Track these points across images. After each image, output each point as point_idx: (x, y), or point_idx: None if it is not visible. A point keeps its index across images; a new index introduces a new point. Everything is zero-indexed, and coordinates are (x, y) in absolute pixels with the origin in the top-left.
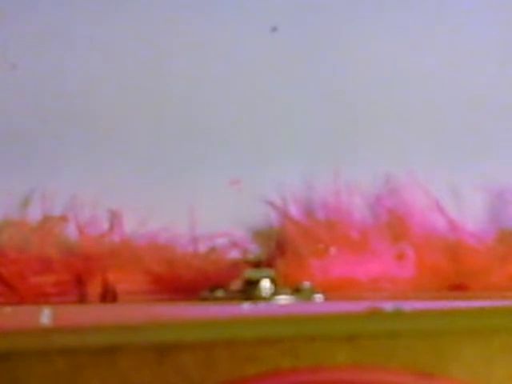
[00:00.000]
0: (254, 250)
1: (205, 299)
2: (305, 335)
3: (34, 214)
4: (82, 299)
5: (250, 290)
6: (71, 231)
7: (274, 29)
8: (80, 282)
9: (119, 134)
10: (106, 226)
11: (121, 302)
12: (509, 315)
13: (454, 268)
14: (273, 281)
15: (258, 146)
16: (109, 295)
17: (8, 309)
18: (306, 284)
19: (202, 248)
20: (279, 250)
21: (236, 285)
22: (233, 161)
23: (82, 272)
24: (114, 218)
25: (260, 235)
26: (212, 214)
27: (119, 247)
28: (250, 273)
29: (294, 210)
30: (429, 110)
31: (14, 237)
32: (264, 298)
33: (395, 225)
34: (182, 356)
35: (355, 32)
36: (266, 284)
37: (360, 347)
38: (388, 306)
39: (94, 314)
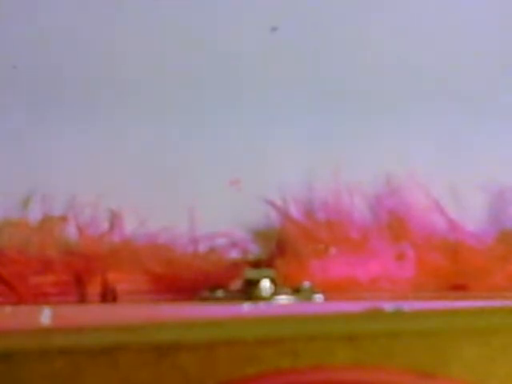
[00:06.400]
0: (254, 250)
1: (205, 299)
2: (305, 335)
3: (34, 214)
4: (82, 299)
5: (249, 290)
6: (71, 231)
7: (274, 29)
8: (80, 282)
9: (119, 133)
10: (106, 226)
11: (121, 302)
12: (509, 315)
13: (454, 268)
14: (273, 281)
15: (258, 145)
16: (109, 295)
17: (8, 309)
18: (306, 284)
19: (202, 248)
20: (279, 250)
21: (236, 285)
22: (233, 161)
23: (82, 272)
24: (114, 217)
25: (260, 235)
26: (212, 213)
27: (119, 247)
28: (250, 273)
29: (294, 210)
30: (429, 110)
31: (14, 237)
32: (264, 298)
33: (395, 225)
34: (181, 356)
35: (355, 32)
36: (266, 284)
37: (360, 347)
38: (388, 306)
39: (94, 313)
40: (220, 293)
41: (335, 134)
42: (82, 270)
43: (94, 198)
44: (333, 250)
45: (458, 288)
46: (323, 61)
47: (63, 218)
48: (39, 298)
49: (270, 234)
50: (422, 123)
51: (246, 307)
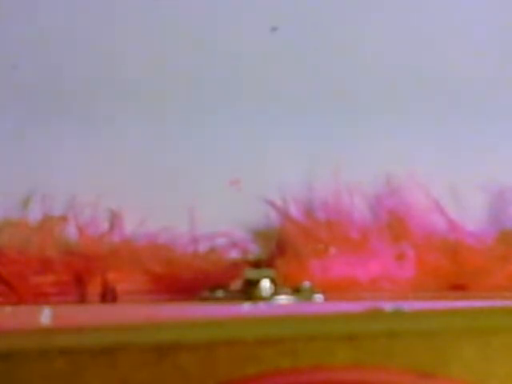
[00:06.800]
0: (254, 250)
1: (205, 299)
2: (305, 335)
3: (34, 214)
4: (82, 299)
5: (250, 290)
6: (71, 231)
7: (274, 29)
8: (80, 281)
9: (119, 133)
10: (106, 226)
11: (121, 302)
12: (509, 315)
13: (454, 268)
14: (273, 281)
15: (257, 145)
16: (109, 295)
17: (8, 309)
18: (306, 284)
19: (202, 248)
20: (279, 250)
21: (236, 285)
22: (233, 161)
23: (82, 272)
24: (114, 217)
25: (260, 235)
26: (212, 213)
27: (119, 247)
28: (250, 273)
29: (294, 210)
30: (429, 110)
31: (13, 237)
32: (264, 298)
33: (395, 225)
34: (181, 356)
35: (356, 32)
36: (266, 284)
37: (360, 347)
38: (388, 306)
39: (93, 314)
40: (220, 293)
41: (335, 134)
42: (82, 270)
43: (94, 198)
44: (333, 250)
45: (458, 288)
46: (323, 61)
47: (63, 218)
48: (39, 297)
49: (270, 233)
50: (422, 123)
51: (246, 307)
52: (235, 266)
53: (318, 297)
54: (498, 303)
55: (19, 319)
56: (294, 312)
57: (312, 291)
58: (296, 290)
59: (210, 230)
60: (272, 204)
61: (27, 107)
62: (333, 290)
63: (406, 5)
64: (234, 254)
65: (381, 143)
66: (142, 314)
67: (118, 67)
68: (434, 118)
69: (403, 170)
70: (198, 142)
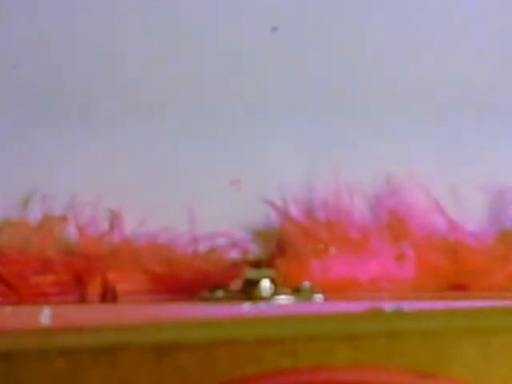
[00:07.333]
0: (254, 250)
1: (205, 299)
2: (305, 335)
3: (34, 214)
4: (82, 299)
5: (250, 290)
6: (71, 231)
7: (274, 29)
8: (80, 281)
9: (119, 133)
10: (106, 226)
11: (121, 302)
12: (509, 315)
13: (454, 268)
14: (273, 281)
15: (257, 145)
16: (109, 295)
17: (8, 309)
18: (306, 284)
19: (202, 248)
20: (279, 250)
21: (236, 285)
22: (233, 161)
23: (82, 272)
24: (114, 217)
25: (260, 235)
26: (212, 213)
27: (119, 247)
28: (250, 273)
29: (294, 210)
30: (429, 110)
31: (13, 237)
32: (264, 298)
33: (395, 225)
34: (181, 356)
35: (355, 32)
36: (266, 284)
37: (360, 347)
38: (388, 305)
39: (93, 313)
40: (220, 293)
41: (335, 134)
42: (82, 270)
43: (94, 197)
44: (333, 250)
45: (458, 288)
46: (323, 61)
47: (63, 218)
48: (39, 297)
49: (270, 233)
50: (421, 123)
51: (246, 307)
52: (235, 266)
53: (318, 297)
54: (498, 303)
55: (19, 319)
56: (294, 312)
57: (312, 291)
58: (296, 290)
59: (210, 230)
60: (272, 204)
61: (27, 107)
62: (333, 290)
63: (406, 5)
64: (234, 254)
65: (381, 143)
66: (142, 314)
67: (118, 67)
68: (434, 118)
69: (403, 170)
70: (198, 142)
